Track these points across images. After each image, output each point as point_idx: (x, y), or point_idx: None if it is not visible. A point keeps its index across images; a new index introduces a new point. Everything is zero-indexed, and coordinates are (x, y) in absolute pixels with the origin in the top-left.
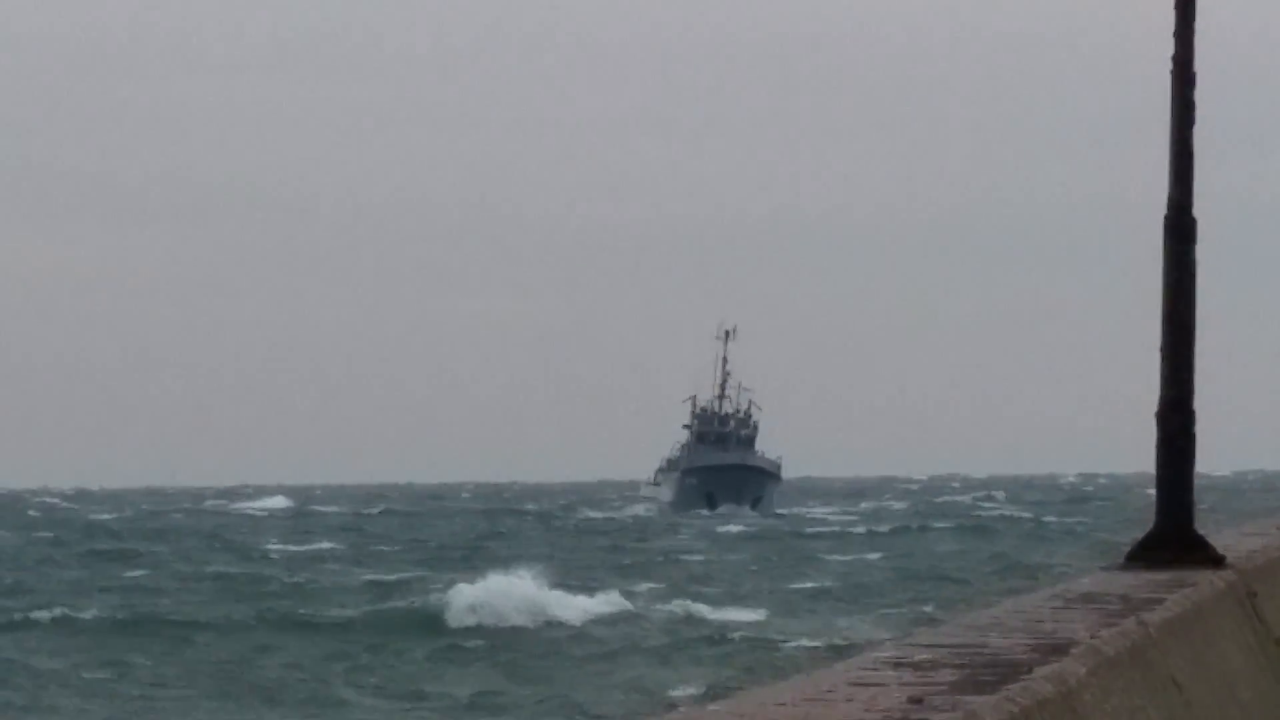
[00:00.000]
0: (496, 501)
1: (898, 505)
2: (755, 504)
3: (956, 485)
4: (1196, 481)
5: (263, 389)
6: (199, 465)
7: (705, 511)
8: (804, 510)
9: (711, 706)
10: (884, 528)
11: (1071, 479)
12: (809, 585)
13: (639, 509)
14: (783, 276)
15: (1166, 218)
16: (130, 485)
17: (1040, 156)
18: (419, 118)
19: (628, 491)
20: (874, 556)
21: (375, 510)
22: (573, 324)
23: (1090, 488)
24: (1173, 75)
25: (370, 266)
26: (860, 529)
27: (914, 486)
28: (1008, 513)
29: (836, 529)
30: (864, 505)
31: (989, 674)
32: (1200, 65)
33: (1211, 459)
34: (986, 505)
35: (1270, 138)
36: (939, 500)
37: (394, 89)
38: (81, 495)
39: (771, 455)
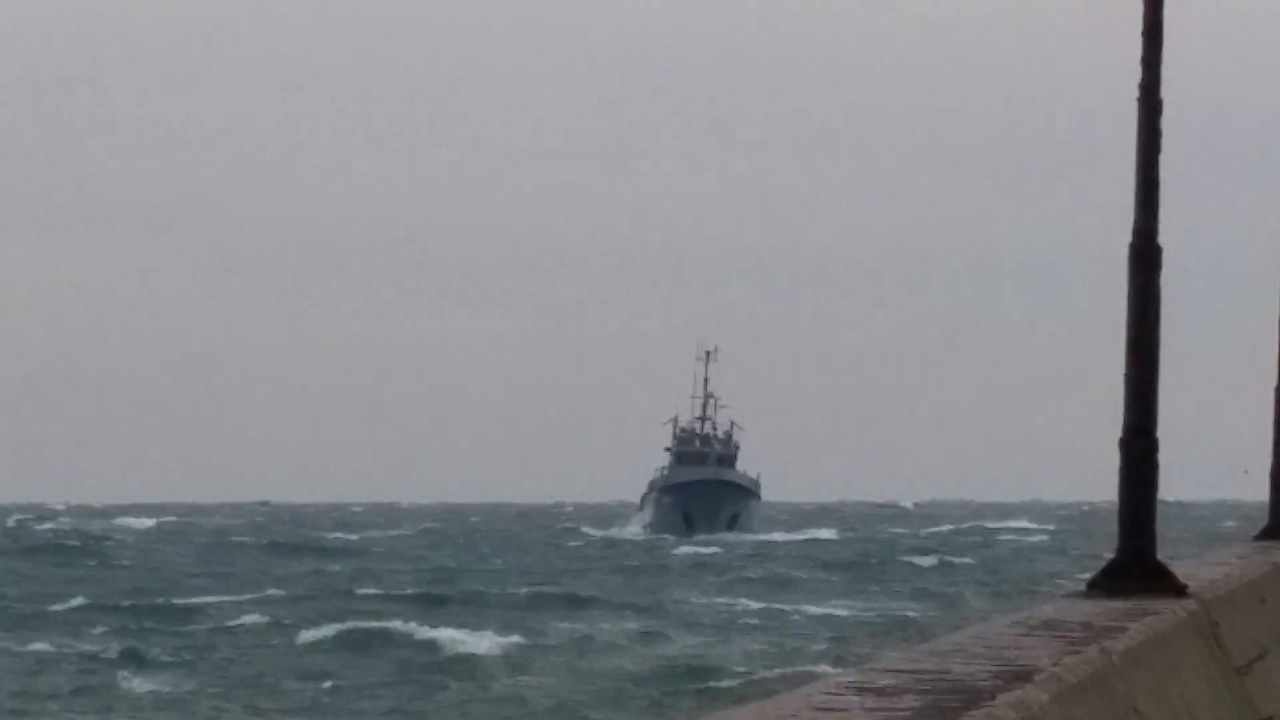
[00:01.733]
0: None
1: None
2: (732, 522)
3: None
4: (1160, 509)
5: (242, 406)
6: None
7: (672, 538)
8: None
9: None
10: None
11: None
12: None
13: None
14: (763, 300)
15: (1132, 245)
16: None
17: (1008, 186)
18: (398, 134)
19: (613, 513)
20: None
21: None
22: (553, 344)
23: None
24: (1139, 104)
25: (347, 284)
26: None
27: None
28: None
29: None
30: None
31: (952, 700)
32: (1166, 93)
33: (1175, 487)
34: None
35: (1235, 165)
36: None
37: (375, 104)
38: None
39: (751, 473)
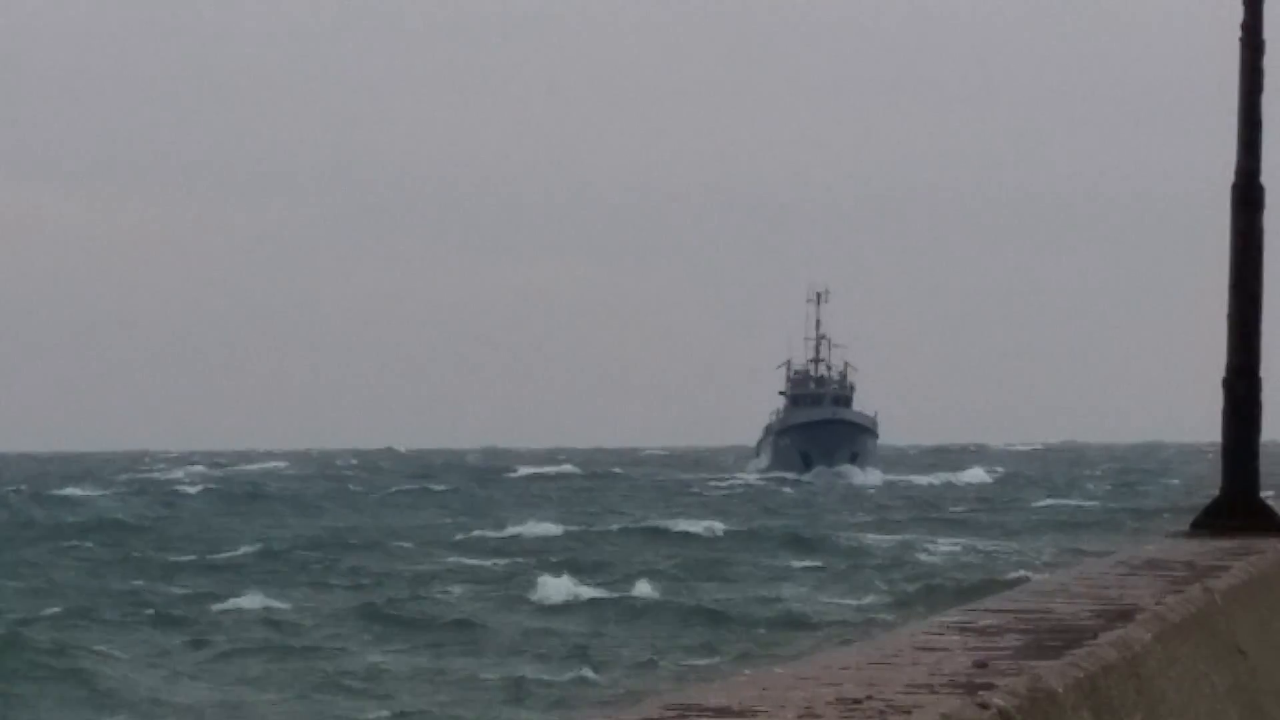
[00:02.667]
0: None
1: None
2: (852, 460)
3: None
4: (1264, 450)
5: (341, 353)
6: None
7: (792, 475)
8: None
9: (777, 669)
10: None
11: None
12: None
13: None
14: (872, 242)
15: (1235, 186)
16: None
17: (1116, 128)
18: (493, 84)
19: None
20: None
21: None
22: (662, 291)
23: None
24: (1241, 43)
25: (446, 232)
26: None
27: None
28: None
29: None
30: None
31: (1054, 639)
32: (1270, 33)
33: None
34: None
35: None
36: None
37: (464, 54)
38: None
39: (869, 412)
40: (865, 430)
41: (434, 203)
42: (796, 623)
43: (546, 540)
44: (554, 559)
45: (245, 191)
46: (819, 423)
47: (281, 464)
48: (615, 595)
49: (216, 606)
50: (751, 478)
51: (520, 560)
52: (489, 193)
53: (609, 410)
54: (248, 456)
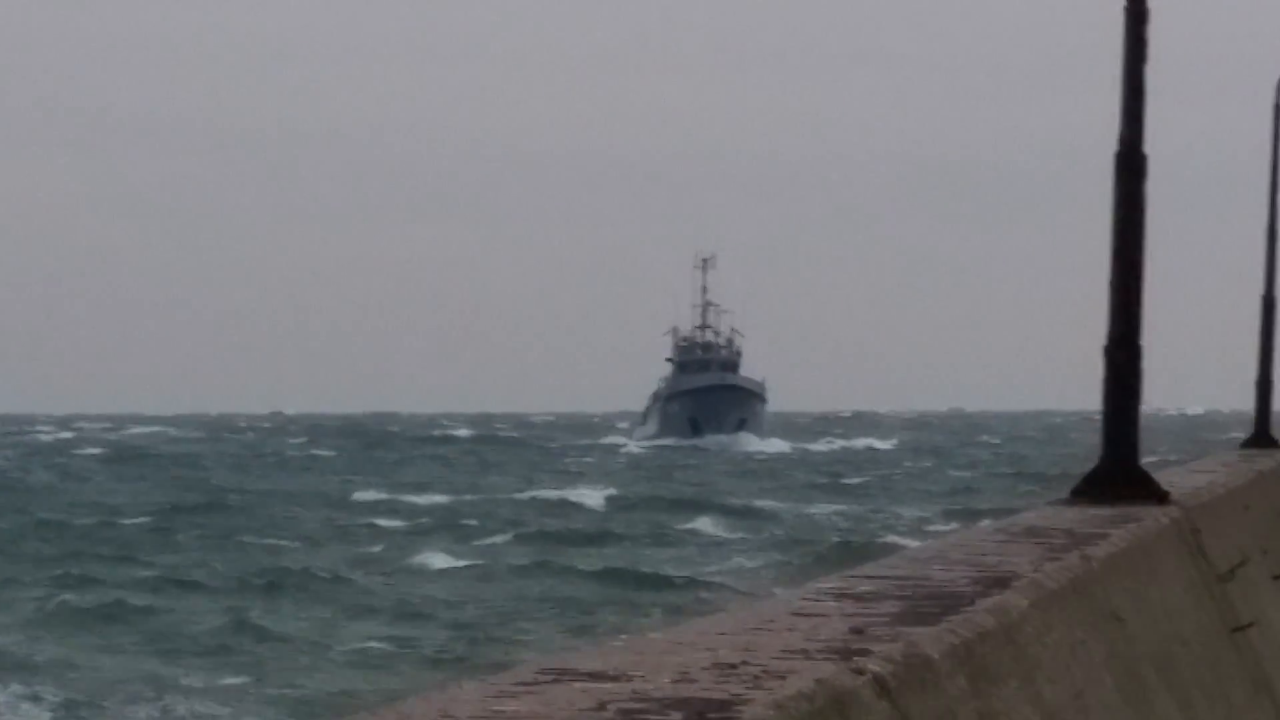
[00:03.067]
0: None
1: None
2: (740, 426)
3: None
4: (1143, 419)
5: (227, 319)
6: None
7: (682, 441)
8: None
9: (653, 635)
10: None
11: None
12: None
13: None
14: (758, 209)
15: (1117, 154)
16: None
17: (995, 97)
18: (390, 47)
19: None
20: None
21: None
22: (548, 256)
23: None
24: (1125, 12)
25: (333, 196)
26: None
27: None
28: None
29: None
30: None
31: (931, 605)
32: (1154, 1)
33: (1159, 397)
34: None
35: (1222, 75)
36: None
37: (362, 19)
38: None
39: (756, 378)
40: (754, 395)
41: (322, 165)
42: (679, 588)
43: (431, 507)
44: (436, 524)
45: (127, 151)
46: (707, 389)
47: (171, 429)
48: (492, 562)
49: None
50: (635, 445)
51: (402, 525)
52: (383, 156)
53: (498, 375)
54: (136, 420)
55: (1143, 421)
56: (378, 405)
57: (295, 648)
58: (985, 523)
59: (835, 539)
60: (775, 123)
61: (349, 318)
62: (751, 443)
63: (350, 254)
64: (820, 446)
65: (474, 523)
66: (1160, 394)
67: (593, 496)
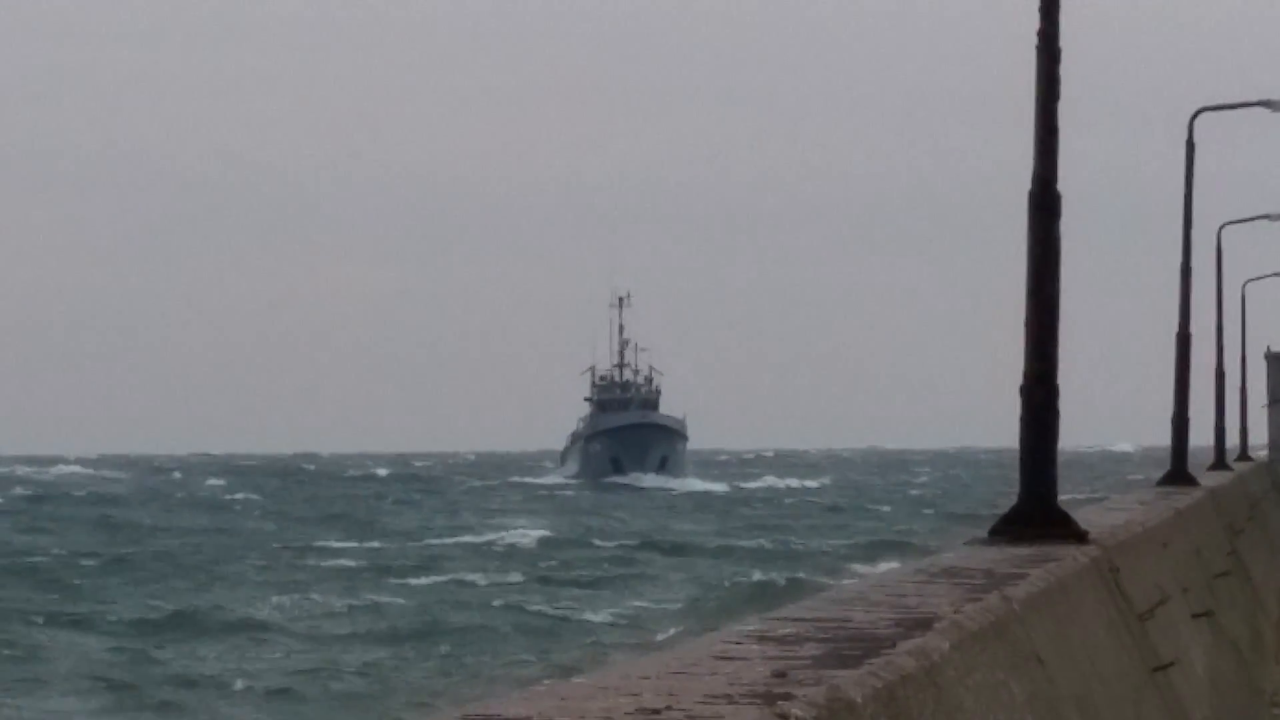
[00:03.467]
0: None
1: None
2: (662, 465)
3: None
4: (1060, 457)
5: (149, 361)
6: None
7: (607, 479)
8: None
9: (577, 679)
10: None
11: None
12: None
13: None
14: (673, 246)
15: (1031, 193)
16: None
17: (911, 133)
18: (295, 83)
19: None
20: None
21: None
22: (458, 293)
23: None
24: (1038, 50)
25: (254, 235)
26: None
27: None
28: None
29: None
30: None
31: (853, 648)
32: (1065, 41)
33: (1076, 434)
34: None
35: (1137, 111)
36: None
37: (273, 53)
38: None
39: (676, 415)
40: (675, 434)
41: (241, 204)
42: (596, 632)
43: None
44: (351, 569)
45: (47, 190)
46: (629, 427)
47: (86, 470)
48: (416, 608)
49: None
50: (552, 480)
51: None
52: (297, 194)
53: (418, 414)
54: (59, 460)
55: (1063, 459)
56: (297, 445)
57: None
58: (899, 565)
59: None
60: (689, 157)
61: (269, 357)
62: (688, 482)
63: (271, 293)
64: (756, 484)
65: (390, 568)
66: (1081, 432)
67: (523, 534)
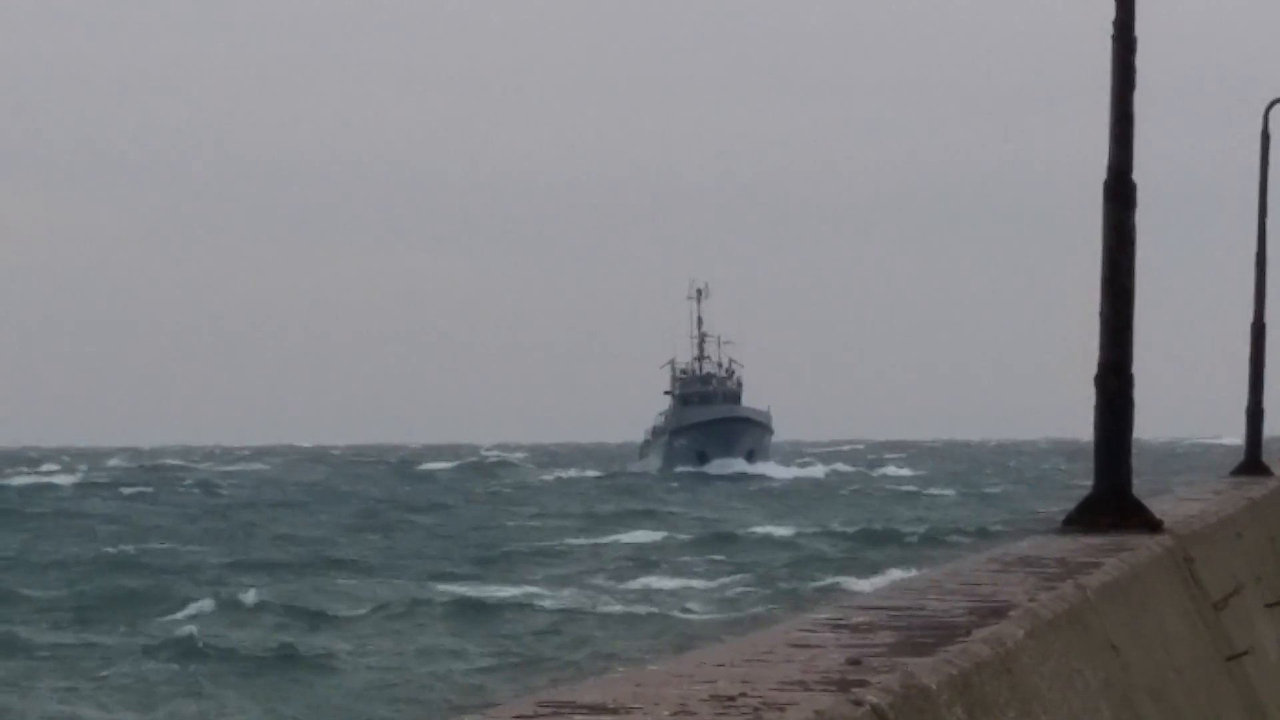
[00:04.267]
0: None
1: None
2: (750, 457)
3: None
4: (1135, 447)
5: (224, 353)
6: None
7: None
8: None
9: (652, 667)
10: None
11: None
12: None
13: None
14: (746, 239)
15: (1106, 182)
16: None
17: (984, 123)
18: (371, 75)
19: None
20: None
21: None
22: (539, 287)
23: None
24: (1113, 40)
25: (326, 225)
26: None
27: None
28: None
29: None
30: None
31: (927, 636)
32: (1141, 29)
33: (1150, 425)
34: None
35: (1212, 100)
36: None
37: (343, 44)
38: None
39: (761, 407)
40: (762, 426)
41: (322, 193)
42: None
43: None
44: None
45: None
46: (717, 421)
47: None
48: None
49: None
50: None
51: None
52: (369, 186)
53: (490, 406)
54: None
55: (1137, 449)
56: (380, 438)
57: None
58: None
59: None
60: (764, 151)
61: (350, 348)
62: (778, 469)
63: (353, 282)
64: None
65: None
66: (1155, 423)
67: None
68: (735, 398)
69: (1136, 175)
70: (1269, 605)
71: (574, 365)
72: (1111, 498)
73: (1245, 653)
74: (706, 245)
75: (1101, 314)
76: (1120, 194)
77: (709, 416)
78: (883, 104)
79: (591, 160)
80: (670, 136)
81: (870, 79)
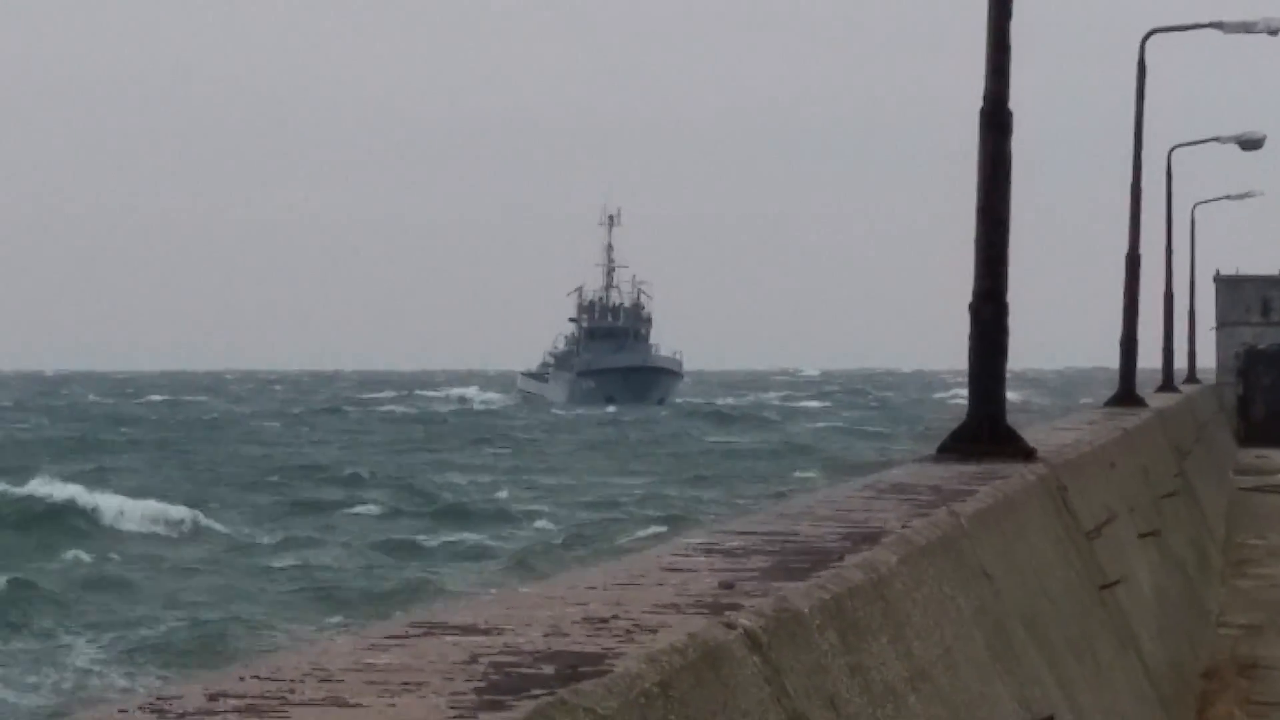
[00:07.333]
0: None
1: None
2: (660, 403)
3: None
4: (1032, 375)
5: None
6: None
7: (610, 409)
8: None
9: (523, 589)
10: None
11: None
12: None
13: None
14: (657, 169)
15: (982, 110)
16: None
17: (860, 53)
18: (277, 4)
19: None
20: None
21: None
22: (449, 215)
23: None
24: None
25: (232, 158)
26: None
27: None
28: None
29: None
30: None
31: (800, 561)
32: None
33: (1024, 353)
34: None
35: (1088, 34)
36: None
37: None
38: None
39: (668, 352)
40: (673, 374)
41: (196, 126)
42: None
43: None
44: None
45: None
46: (627, 370)
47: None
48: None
49: None
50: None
51: None
52: (296, 118)
53: (400, 333)
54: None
55: (1033, 377)
56: (309, 364)
57: None
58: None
59: None
60: (670, 84)
61: (281, 279)
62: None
63: (268, 216)
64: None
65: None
66: (1031, 351)
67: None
68: (644, 338)
69: (1015, 106)
70: (1142, 535)
71: (489, 294)
72: (986, 425)
73: (1118, 582)
74: (621, 177)
75: (977, 242)
76: (997, 122)
77: (621, 364)
78: (780, 39)
79: (512, 92)
80: (595, 69)
81: (770, 14)
